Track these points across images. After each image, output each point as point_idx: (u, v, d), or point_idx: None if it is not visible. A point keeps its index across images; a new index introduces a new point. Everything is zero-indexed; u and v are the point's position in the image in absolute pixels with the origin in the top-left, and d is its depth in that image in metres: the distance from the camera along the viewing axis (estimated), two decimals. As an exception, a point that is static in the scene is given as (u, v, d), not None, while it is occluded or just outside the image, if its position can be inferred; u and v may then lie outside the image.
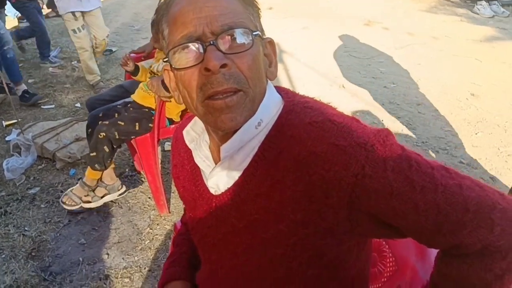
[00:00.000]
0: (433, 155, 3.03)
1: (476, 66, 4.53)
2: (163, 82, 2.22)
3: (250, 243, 0.82)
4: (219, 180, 0.83)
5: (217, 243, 0.89)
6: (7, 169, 2.88)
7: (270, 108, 0.79)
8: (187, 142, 0.90)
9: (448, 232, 0.70)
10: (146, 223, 2.45)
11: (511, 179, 2.73)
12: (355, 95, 3.96)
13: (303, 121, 0.74)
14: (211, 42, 0.70)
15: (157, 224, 2.44)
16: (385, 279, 1.07)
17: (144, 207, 2.59)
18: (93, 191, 2.47)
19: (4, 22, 3.87)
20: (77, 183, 2.51)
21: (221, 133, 0.79)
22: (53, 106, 3.94)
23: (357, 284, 0.90)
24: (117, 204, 2.61)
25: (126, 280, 2.09)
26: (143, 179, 2.82)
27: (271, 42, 0.82)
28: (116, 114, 2.38)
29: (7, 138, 3.33)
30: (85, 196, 2.45)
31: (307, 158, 0.71)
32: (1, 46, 3.65)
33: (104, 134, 2.26)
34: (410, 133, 3.31)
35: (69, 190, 2.47)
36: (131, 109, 2.39)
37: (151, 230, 2.40)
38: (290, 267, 0.81)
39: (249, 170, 0.78)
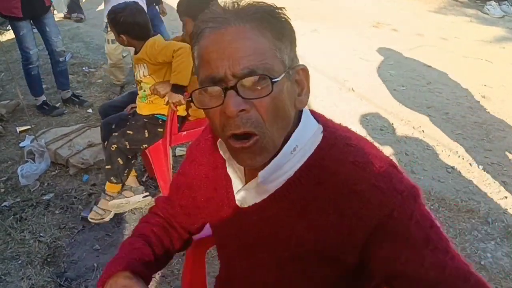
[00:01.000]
0: (445, 158, 3.03)
1: (487, 68, 4.51)
2: (173, 86, 2.26)
3: (267, 259, 0.87)
4: (248, 194, 0.87)
5: (236, 253, 0.94)
6: (21, 175, 2.93)
7: (305, 133, 0.82)
8: (221, 152, 0.91)
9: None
10: (159, 229, 2.48)
11: (524, 183, 2.73)
12: (365, 98, 3.96)
13: (347, 160, 0.78)
14: (231, 86, 0.72)
15: (170, 230, 2.46)
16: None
17: (157, 213, 2.61)
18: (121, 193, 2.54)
19: (51, 26, 3.77)
20: (90, 189, 2.55)
21: None
22: (65, 111, 4.00)
23: None
24: (130, 210, 2.64)
25: (140, 285, 2.11)
26: (155, 185, 2.85)
27: (304, 70, 0.81)
28: (127, 123, 2.42)
29: (21, 144, 3.38)
30: (108, 204, 2.51)
31: (347, 194, 0.76)
32: (27, 64, 3.73)
33: (116, 146, 2.32)
34: (420, 137, 3.31)
35: (94, 205, 2.52)
36: (138, 116, 2.46)
37: (164, 236, 2.42)
38: (302, 285, 0.86)
39: (281, 192, 0.82)
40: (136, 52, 2.42)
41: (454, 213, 2.49)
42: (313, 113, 0.87)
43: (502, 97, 3.86)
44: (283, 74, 0.75)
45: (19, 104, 3.94)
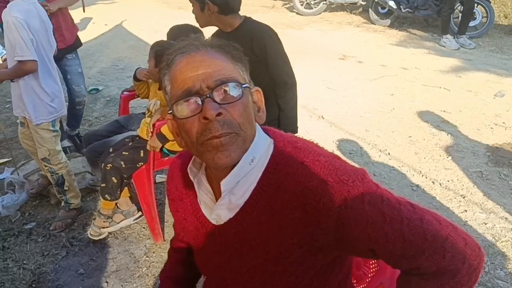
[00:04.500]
0: (410, 178, 3.25)
1: (445, 95, 4.84)
2: (158, 135, 2.40)
3: (253, 264, 0.96)
4: (221, 212, 0.96)
5: (222, 265, 1.03)
6: (2, 206, 2.96)
7: (260, 146, 0.93)
8: (191, 177, 1.02)
9: (410, 257, 0.86)
10: (142, 252, 2.56)
11: (481, 197, 2.96)
12: (334, 125, 4.19)
13: (296, 161, 0.89)
14: (208, 95, 0.84)
15: (153, 252, 2.55)
16: (369, 279, 1.23)
17: (139, 237, 2.70)
18: (111, 218, 2.65)
19: (73, 71, 3.66)
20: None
21: (219, 170, 0.91)
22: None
23: (343, 285, 1.07)
24: (112, 235, 2.71)
25: (127, 305, 2.19)
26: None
27: (258, 91, 0.97)
28: (124, 145, 2.54)
29: (0, 177, 3.42)
30: (103, 223, 2.62)
31: (302, 191, 0.86)
32: (74, 103, 3.72)
33: (111, 165, 2.42)
34: (386, 159, 3.53)
35: (92, 223, 2.67)
36: (137, 138, 2.56)
37: (147, 258, 2.51)
38: (289, 280, 0.96)
39: (250, 203, 0.92)
40: (159, 88, 2.56)
41: (420, 227, 2.67)
42: (263, 128, 0.99)
43: (459, 121, 4.15)
44: (248, 84, 0.90)
45: (-4, 138, 3.98)
